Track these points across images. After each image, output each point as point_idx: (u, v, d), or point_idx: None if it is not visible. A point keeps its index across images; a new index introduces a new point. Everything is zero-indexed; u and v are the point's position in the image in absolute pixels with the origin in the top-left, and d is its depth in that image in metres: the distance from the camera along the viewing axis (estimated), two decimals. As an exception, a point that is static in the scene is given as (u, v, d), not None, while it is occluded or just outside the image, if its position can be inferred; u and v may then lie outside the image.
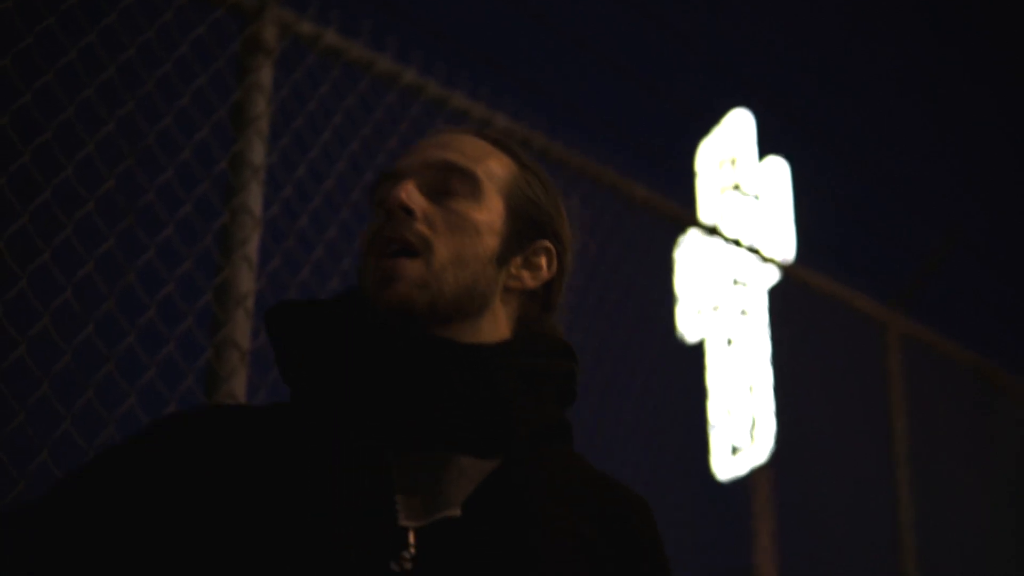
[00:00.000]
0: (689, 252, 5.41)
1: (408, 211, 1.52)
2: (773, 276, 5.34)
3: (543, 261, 1.61)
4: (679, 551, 4.37)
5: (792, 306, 5.30)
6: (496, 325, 1.57)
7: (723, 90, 6.41)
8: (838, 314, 5.35)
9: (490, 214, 1.56)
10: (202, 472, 1.45)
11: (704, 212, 5.78)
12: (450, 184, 1.55)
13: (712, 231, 4.77)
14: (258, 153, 2.96)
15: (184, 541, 1.42)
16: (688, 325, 5.77)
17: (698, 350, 5.81)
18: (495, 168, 1.59)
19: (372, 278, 1.51)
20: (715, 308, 5.54)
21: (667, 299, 5.45)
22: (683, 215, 4.68)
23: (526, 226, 1.59)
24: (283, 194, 3.07)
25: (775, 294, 5.42)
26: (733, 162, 6.24)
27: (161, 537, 1.43)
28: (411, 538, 1.38)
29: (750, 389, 5.49)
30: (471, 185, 1.56)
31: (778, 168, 6.13)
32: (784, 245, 5.76)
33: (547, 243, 1.61)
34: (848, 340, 5.44)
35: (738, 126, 6.31)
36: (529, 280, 1.59)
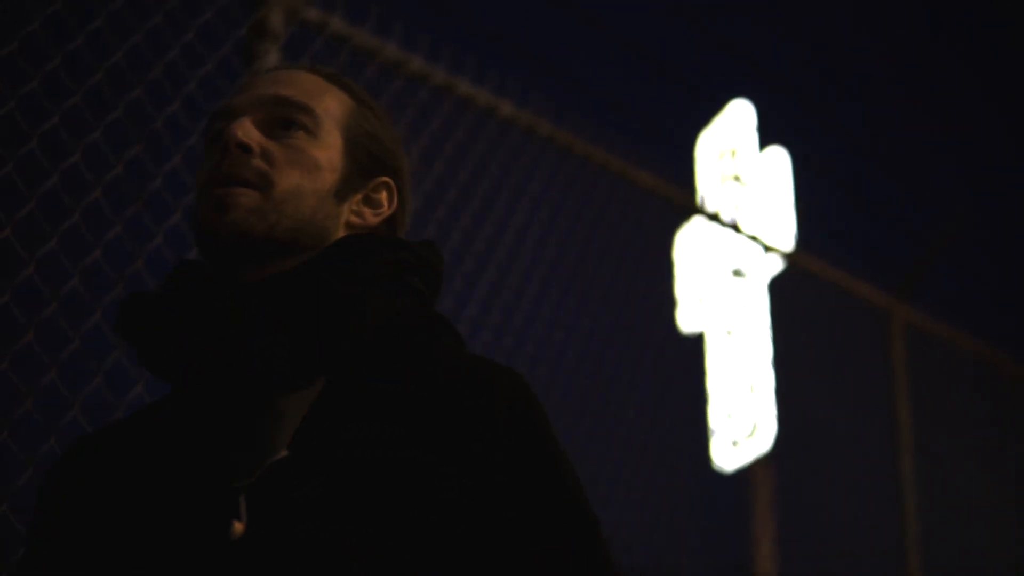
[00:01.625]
0: (690, 241, 5.41)
1: (245, 148, 1.47)
2: (775, 266, 5.34)
3: (383, 197, 1.57)
4: (679, 544, 4.36)
5: (794, 296, 5.29)
6: None
7: (723, 80, 6.41)
8: (841, 304, 5.34)
9: (329, 150, 1.52)
10: (70, 495, 1.47)
11: (705, 201, 5.77)
12: (287, 119, 1.51)
13: (714, 218, 4.77)
14: (265, 140, 2.94)
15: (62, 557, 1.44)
16: (688, 315, 5.76)
17: (698, 341, 5.80)
18: (332, 104, 1.55)
19: (208, 206, 1.47)
20: (716, 298, 5.54)
21: (668, 288, 5.44)
22: (686, 202, 4.67)
23: (365, 162, 1.56)
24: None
25: (777, 284, 5.42)
26: (733, 153, 6.24)
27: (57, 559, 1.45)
28: (242, 500, 1.34)
29: (750, 380, 5.49)
30: (309, 120, 1.51)
31: (779, 158, 6.12)
32: (785, 235, 5.75)
33: (387, 179, 1.58)
34: (851, 330, 5.44)
35: (738, 116, 6.30)
36: (371, 216, 1.56)
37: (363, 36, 3.26)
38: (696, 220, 5.09)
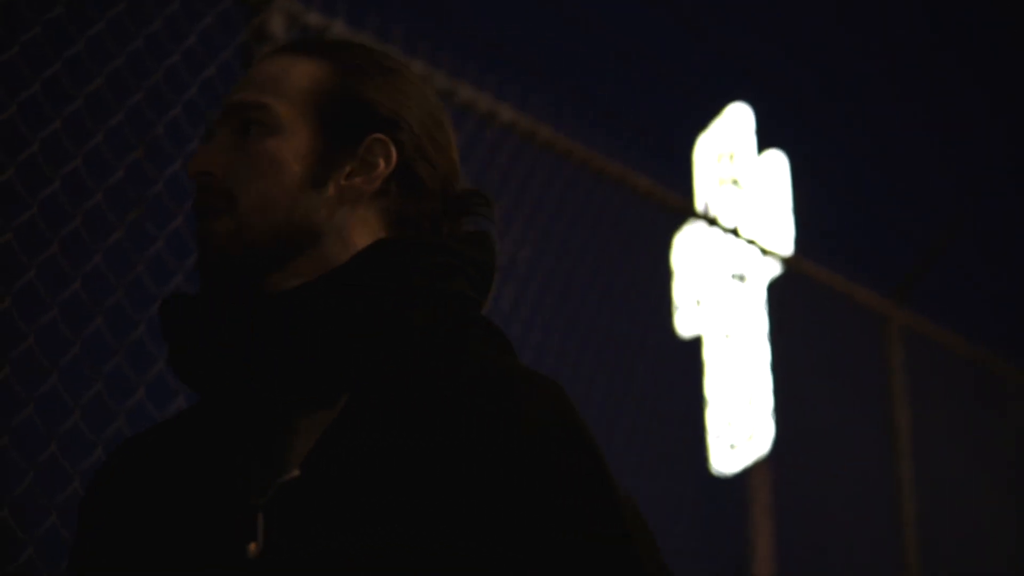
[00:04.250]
0: (688, 245, 5.41)
1: (207, 174, 1.44)
2: (773, 270, 5.34)
3: (379, 157, 1.46)
4: (676, 546, 4.36)
5: (792, 300, 5.30)
6: (349, 248, 1.45)
7: (721, 84, 6.41)
8: (839, 307, 5.35)
9: (292, 139, 1.44)
10: (108, 503, 1.47)
11: (703, 205, 5.77)
12: (244, 123, 1.45)
13: (712, 222, 4.77)
14: (266, 144, 2.94)
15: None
16: (686, 319, 5.76)
17: (696, 345, 5.80)
18: (293, 82, 1.46)
19: (197, 250, 1.46)
20: (714, 302, 5.54)
21: (666, 292, 5.44)
22: (684, 206, 4.67)
23: (345, 129, 1.46)
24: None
25: (775, 288, 5.42)
26: (731, 156, 6.23)
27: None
28: (259, 518, 1.33)
29: (749, 384, 5.49)
30: (264, 116, 1.45)
31: (777, 162, 6.12)
32: (784, 239, 5.75)
33: (378, 136, 1.46)
34: (849, 333, 5.44)
35: (737, 120, 6.30)
36: (364, 184, 1.45)
37: (364, 40, 3.26)
38: (694, 224, 5.09)
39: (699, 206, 5.01)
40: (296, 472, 1.34)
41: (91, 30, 2.68)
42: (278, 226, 1.43)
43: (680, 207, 4.64)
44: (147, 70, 2.79)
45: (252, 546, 1.32)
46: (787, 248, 5.42)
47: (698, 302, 5.66)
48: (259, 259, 1.43)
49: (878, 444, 5.41)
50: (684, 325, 5.71)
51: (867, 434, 5.47)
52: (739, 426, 5.50)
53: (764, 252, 5.01)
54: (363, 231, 1.46)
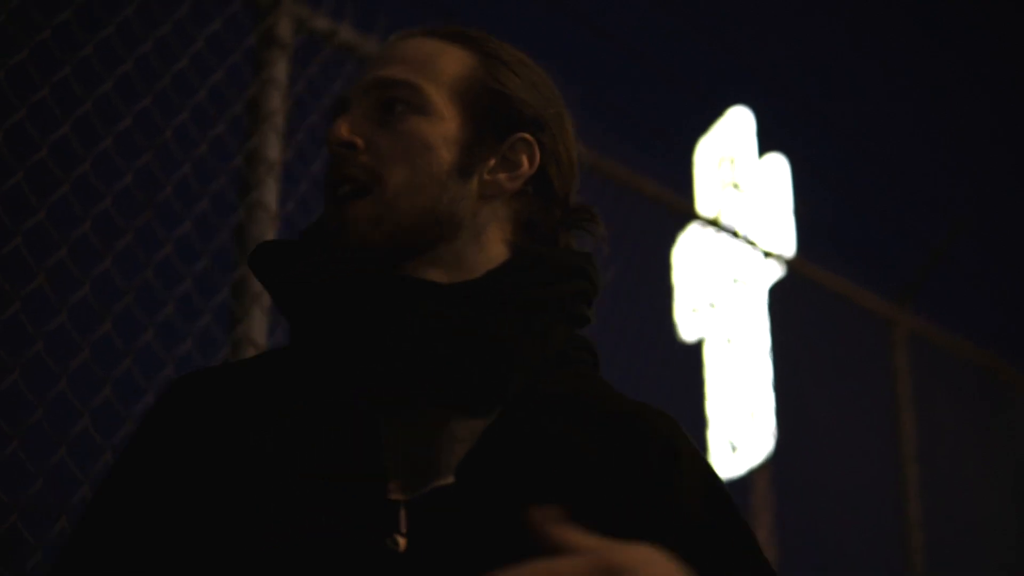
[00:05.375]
0: (689, 248, 5.41)
1: (349, 145, 1.39)
2: (775, 273, 5.34)
3: (522, 156, 1.42)
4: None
5: (795, 304, 5.29)
6: (483, 246, 1.41)
7: (722, 87, 6.41)
8: (842, 311, 5.34)
9: (442, 124, 1.40)
10: (198, 442, 1.35)
11: (704, 208, 5.78)
12: (393, 102, 1.40)
13: (713, 225, 4.77)
14: (274, 148, 2.95)
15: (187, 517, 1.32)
16: (688, 323, 5.76)
17: (698, 348, 5.80)
18: (445, 67, 1.42)
19: (329, 227, 1.40)
20: (715, 305, 5.54)
21: (667, 296, 5.44)
22: (685, 209, 4.68)
23: (492, 123, 1.42)
24: (299, 190, 3.06)
25: (777, 291, 5.42)
26: (732, 159, 6.24)
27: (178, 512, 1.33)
28: (403, 514, 1.28)
29: (750, 388, 5.48)
30: (414, 97, 1.39)
31: (778, 165, 6.13)
32: (785, 242, 5.76)
33: (524, 135, 1.42)
34: (853, 337, 5.44)
35: (737, 124, 6.30)
36: (507, 182, 1.42)
37: (372, 45, 3.26)
38: (695, 227, 5.09)
39: (701, 209, 5.01)
40: (451, 479, 1.30)
41: (100, 34, 2.68)
42: (423, 212, 1.38)
43: (681, 209, 4.64)
44: (156, 74, 2.79)
45: (401, 541, 1.26)
46: (789, 251, 5.42)
47: (699, 306, 5.66)
48: (399, 245, 1.38)
49: (883, 448, 5.41)
50: (686, 329, 5.71)
51: (871, 438, 5.47)
52: (741, 430, 5.50)
53: (766, 255, 5.02)
54: (496, 230, 1.43)
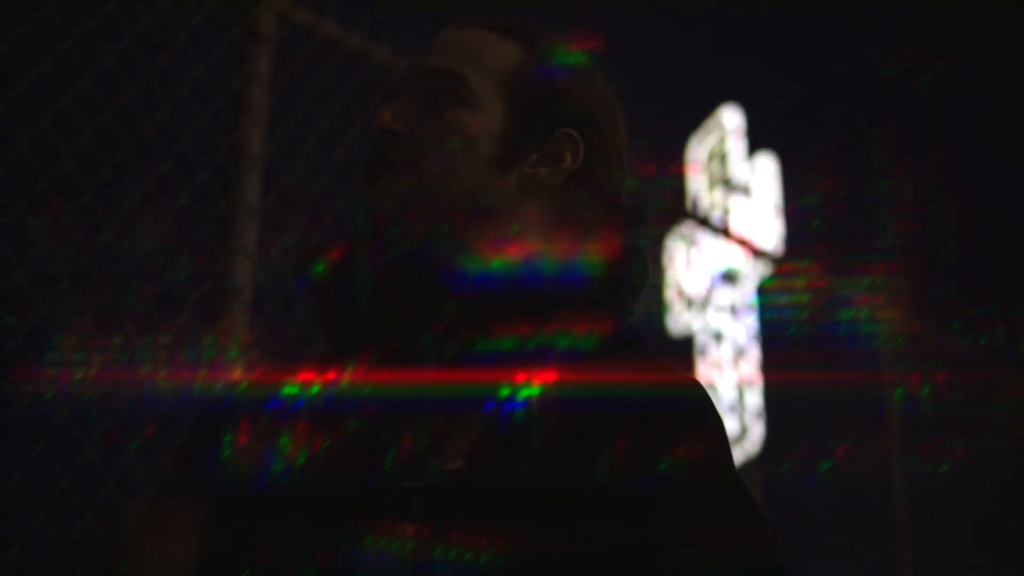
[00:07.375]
0: (679, 245, 5.41)
1: (392, 132, 1.41)
2: (764, 270, 5.35)
3: (566, 151, 1.43)
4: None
5: (780, 299, 5.30)
6: (521, 239, 1.41)
7: (713, 86, 6.42)
8: (828, 309, 5.34)
9: (486, 116, 1.40)
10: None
11: (694, 207, 5.79)
12: (438, 92, 1.41)
13: (703, 222, 4.77)
14: (256, 143, 2.94)
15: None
16: (678, 318, 5.77)
17: (687, 344, 5.81)
18: (493, 60, 1.43)
19: (366, 208, 1.42)
20: (705, 301, 5.55)
21: (658, 291, 5.45)
22: (675, 206, 4.68)
23: (538, 118, 1.42)
24: (281, 184, 3.05)
25: (765, 288, 5.43)
26: (723, 157, 6.25)
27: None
28: (414, 501, 1.28)
29: (739, 383, 5.49)
30: (460, 88, 1.41)
31: (767, 163, 6.14)
32: (774, 239, 5.77)
33: (570, 131, 1.43)
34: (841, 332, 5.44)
35: (727, 123, 6.32)
36: (549, 176, 1.42)
37: (355, 39, 3.25)
38: (685, 224, 5.10)
39: (690, 206, 5.01)
40: (460, 463, 1.30)
41: (81, 28, 2.67)
42: (457, 200, 1.39)
43: (671, 207, 4.64)
44: (137, 68, 2.79)
45: (411, 528, 1.27)
46: (777, 248, 5.43)
47: (689, 302, 5.67)
48: (428, 230, 1.39)
49: (870, 442, 5.41)
50: (675, 324, 5.72)
51: (859, 433, 5.47)
52: (730, 426, 5.51)
53: (755, 252, 5.02)
54: (536, 224, 1.42)
